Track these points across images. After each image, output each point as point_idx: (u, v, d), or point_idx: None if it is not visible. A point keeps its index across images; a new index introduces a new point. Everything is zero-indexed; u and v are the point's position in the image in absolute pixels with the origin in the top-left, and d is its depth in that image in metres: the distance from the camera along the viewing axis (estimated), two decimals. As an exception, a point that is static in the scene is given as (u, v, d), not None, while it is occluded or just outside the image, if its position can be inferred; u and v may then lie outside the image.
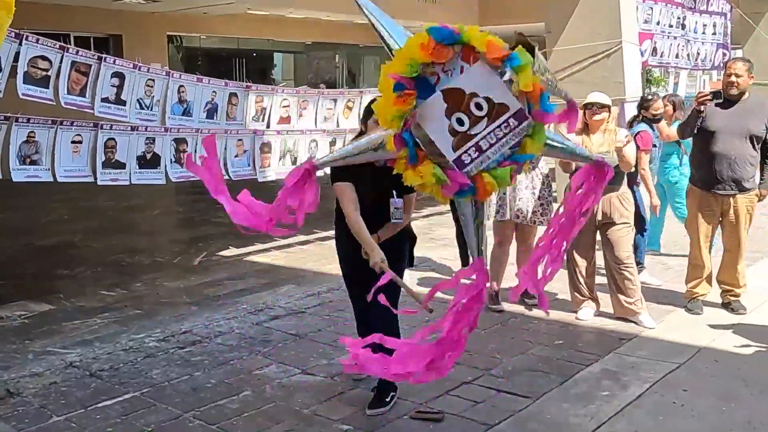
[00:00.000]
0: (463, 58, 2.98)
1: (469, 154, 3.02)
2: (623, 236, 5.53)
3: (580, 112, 5.67)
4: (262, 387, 4.55)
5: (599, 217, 5.48)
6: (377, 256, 3.92)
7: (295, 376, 4.72)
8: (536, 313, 5.85)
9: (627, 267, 5.52)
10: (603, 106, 5.49)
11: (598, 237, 5.69)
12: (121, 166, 6.32)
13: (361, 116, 4.19)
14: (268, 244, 8.65)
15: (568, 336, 5.36)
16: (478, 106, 2.97)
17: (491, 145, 3.01)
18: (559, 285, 5.93)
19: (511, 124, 2.98)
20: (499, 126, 2.99)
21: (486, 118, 2.97)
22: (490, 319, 5.71)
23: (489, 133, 2.99)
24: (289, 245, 8.63)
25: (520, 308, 5.95)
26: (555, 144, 3.21)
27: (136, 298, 6.63)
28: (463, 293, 3.22)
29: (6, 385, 4.56)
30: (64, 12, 15.00)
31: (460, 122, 2.98)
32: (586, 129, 5.57)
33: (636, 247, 6.50)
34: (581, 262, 5.68)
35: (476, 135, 3.00)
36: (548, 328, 5.52)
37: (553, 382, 4.52)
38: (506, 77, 2.94)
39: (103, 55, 6.17)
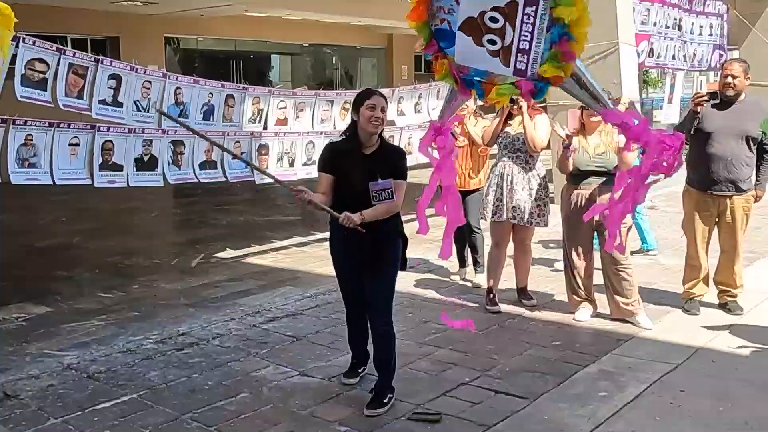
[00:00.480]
0: None
1: (521, 61, 3.09)
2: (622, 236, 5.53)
3: (578, 113, 5.69)
4: (259, 389, 4.55)
5: (596, 217, 5.48)
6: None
7: (293, 378, 4.72)
8: (534, 314, 5.86)
9: (624, 268, 5.52)
10: None
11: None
12: (118, 168, 6.32)
13: (352, 107, 4.30)
14: (266, 245, 8.66)
15: (566, 337, 5.37)
16: (493, 20, 3.04)
17: (530, 41, 3.06)
18: (556, 286, 5.95)
19: (529, 12, 3.02)
20: (523, 23, 3.04)
21: (507, 24, 3.02)
22: (488, 320, 5.72)
23: (521, 34, 3.04)
24: (286, 247, 8.64)
25: (517, 309, 5.96)
26: (582, 77, 3.22)
27: (134, 300, 6.63)
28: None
29: (3, 388, 4.56)
30: (62, 14, 14.99)
31: (492, 42, 3.06)
32: (583, 130, 5.58)
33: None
34: (578, 263, 5.68)
35: (511, 42, 3.04)
36: (545, 329, 5.52)
37: (551, 382, 4.53)
38: None
39: (100, 57, 6.17)
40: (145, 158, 6.52)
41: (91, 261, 8.17)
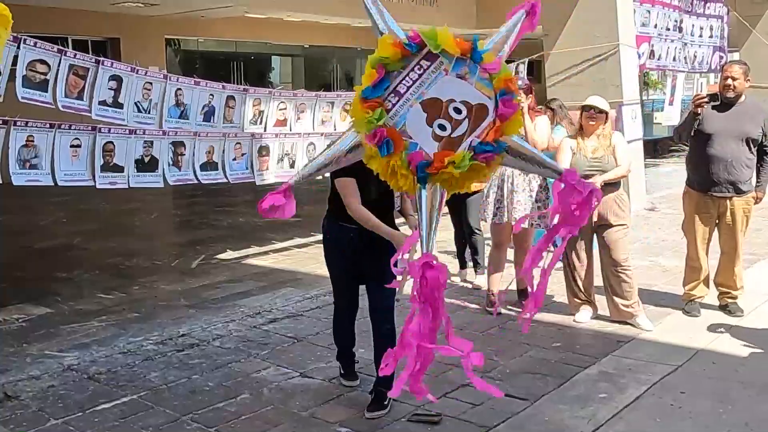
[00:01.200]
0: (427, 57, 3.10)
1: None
2: (620, 238, 5.53)
3: (577, 114, 5.69)
4: (260, 390, 4.55)
5: (595, 218, 5.48)
6: (401, 237, 3.96)
7: (293, 379, 4.72)
8: (534, 316, 5.85)
9: (624, 269, 5.52)
10: (601, 111, 5.49)
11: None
12: (119, 169, 6.32)
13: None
14: (266, 247, 8.67)
15: (566, 338, 5.37)
16: (457, 111, 3.06)
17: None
18: (556, 288, 5.94)
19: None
20: (480, 127, 3.07)
21: (467, 119, 3.05)
22: (488, 321, 5.72)
23: (473, 135, 3.06)
24: (287, 248, 8.64)
25: (517, 311, 5.96)
26: (522, 150, 3.14)
27: (134, 301, 6.64)
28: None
29: (3, 389, 4.56)
30: (62, 15, 15.00)
31: (442, 128, 3.08)
32: (581, 131, 5.58)
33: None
34: (578, 265, 5.68)
35: (460, 136, 3.06)
36: (546, 330, 5.52)
37: (551, 384, 4.53)
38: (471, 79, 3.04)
39: (101, 58, 6.17)
40: (146, 159, 6.52)
41: (91, 262, 8.18)
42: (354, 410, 4.23)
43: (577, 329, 5.57)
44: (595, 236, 5.67)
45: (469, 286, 6.78)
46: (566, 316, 5.77)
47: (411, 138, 3.12)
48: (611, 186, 5.45)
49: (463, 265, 7.04)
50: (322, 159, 3.33)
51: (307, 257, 8.15)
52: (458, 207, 6.68)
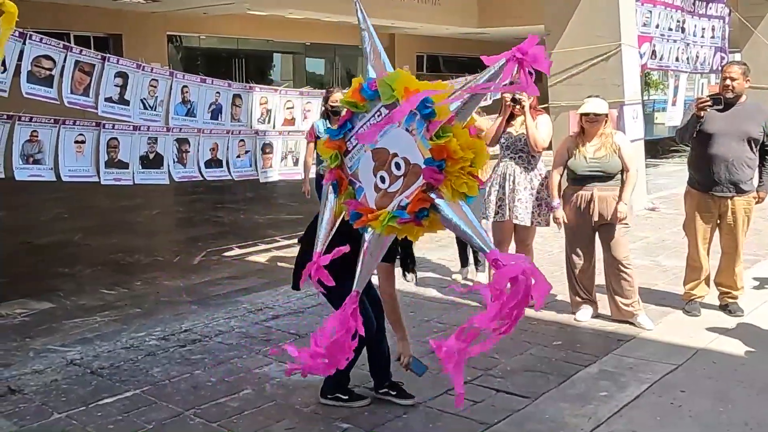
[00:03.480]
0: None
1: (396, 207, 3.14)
2: (621, 236, 5.55)
3: (577, 117, 5.71)
4: (262, 385, 4.57)
5: (596, 218, 5.50)
6: (408, 350, 4.15)
7: (295, 375, 4.71)
8: (534, 314, 5.86)
9: (624, 268, 5.54)
10: (598, 115, 5.50)
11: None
12: (124, 165, 6.35)
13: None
14: (269, 244, 8.69)
15: (567, 337, 5.39)
16: (398, 166, 3.09)
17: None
18: (558, 287, 5.96)
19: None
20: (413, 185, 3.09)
21: (403, 177, 3.08)
22: (489, 319, 5.73)
23: (405, 193, 3.09)
24: (289, 246, 8.65)
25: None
26: (451, 223, 3.01)
27: (137, 296, 6.66)
28: None
29: (7, 383, 4.59)
30: (64, 11, 15.02)
31: (382, 180, 3.14)
32: (582, 134, 5.59)
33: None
34: (579, 264, 5.70)
35: (395, 192, 3.11)
36: (547, 329, 5.54)
37: (552, 382, 4.55)
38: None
39: (107, 55, 6.20)
40: (151, 156, 6.55)
41: (93, 258, 8.20)
42: (356, 407, 4.25)
43: (577, 328, 5.59)
44: (597, 235, 5.69)
45: (470, 284, 6.80)
46: (568, 314, 5.79)
47: (361, 183, 3.19)
48: (612, 184, 5.47)
49: (464, 263, 7.06)
50: (327, 219, 3.40)
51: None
52: None
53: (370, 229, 3.16)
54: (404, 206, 3.04)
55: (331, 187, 3.30)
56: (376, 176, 3.15)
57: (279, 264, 7.83)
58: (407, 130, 3.03)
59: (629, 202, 5.50)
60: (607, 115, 5.56)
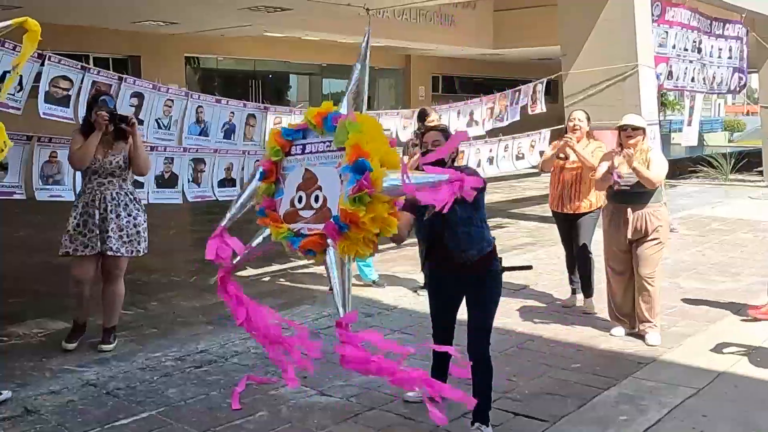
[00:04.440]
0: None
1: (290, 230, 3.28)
2: (652, 253, 5.54)
3: (615, 134, 5.73)
4: (278, 407, 4.54)
5: (630, 235, 5.50)
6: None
7: (311, 397, 4.71)
8: (553, 335, 5.83)
9: (647, 285, 5.57)
10: (636, 128, 5.52)
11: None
12: (139, 185, 6.37)
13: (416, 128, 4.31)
14: (285, 264, 8.67)
15: (586, 360, 5.33)
16: (316, 199, 3.20)
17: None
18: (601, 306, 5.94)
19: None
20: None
21: (314, 211, 3.18)
22: (507, 341, 5.68)
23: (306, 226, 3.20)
24: (305, 266, 8.63)
25: (537, 331, 5.92)
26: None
27: (153, 317, 6.65)
28: None
29: (24, 403, 4.58)
30: (84, 33, 15.18)
31: (300, 200, 3.26)
32: (621, 150, 5.59)
33: None
34: (612, 280, 5.79)
35: (302, 219, 3.23)
36: (565, 351, 5.49)
37: (571, 405, 4.49)
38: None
39: (124, 76, 6.25)
40: (166, 176, 6.58)
41: (110, 277, 8.19)
42: (372, 429, 4.21)
43: (597, 350, 5.53)
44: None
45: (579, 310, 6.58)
46: (588, 338, 5.74)
47: (284, 187, 3.32)
48: (645, 199, 5.46)
49: (574, 290, 6.73)
50: (245, 196, 3.51)
51: (325, 276, 8.12)
52: (568, 229, 6.51)
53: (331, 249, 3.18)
54: (302, 236, 3.18)
55: (259, 173, 3.40)
56: (296, 192, 3.27)
57: (295, 284, 7.82)
58: (341, 176, 3.07)
59: (646, 175, 5.40)
60: (644, 130, 5.58)
